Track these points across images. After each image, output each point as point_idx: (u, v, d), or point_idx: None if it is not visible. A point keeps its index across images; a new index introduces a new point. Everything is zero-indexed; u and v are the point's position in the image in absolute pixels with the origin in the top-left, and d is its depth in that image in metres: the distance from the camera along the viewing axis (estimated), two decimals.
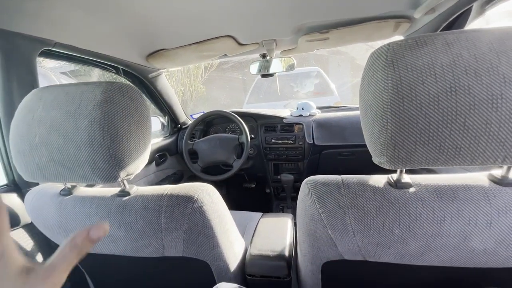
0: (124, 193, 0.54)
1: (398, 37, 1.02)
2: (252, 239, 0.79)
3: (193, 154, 1.41)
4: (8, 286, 0.20)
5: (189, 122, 1.77)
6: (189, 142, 1.42)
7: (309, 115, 1.50)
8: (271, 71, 1.26)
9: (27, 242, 0.78)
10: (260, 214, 1.05)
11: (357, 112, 1.43)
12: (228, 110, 1.44)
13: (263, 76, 1.28)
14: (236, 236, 0.69)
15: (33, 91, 0.51)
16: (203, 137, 1.65)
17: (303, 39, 1.00)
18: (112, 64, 1.09)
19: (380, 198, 0.42)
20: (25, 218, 0.76)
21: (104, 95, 0.47)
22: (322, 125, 1.42)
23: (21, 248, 0.76)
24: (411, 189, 0.42)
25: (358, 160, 1.39)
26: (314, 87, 3.99)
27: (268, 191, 1.79)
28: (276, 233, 0.82)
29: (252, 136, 1.48)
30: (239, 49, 1.10)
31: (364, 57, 0.44)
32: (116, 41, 0.91)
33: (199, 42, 1.02)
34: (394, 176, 0.44)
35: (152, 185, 0.65)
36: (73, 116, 0.46)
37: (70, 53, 0.81)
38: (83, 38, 0.80)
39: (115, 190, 0.57)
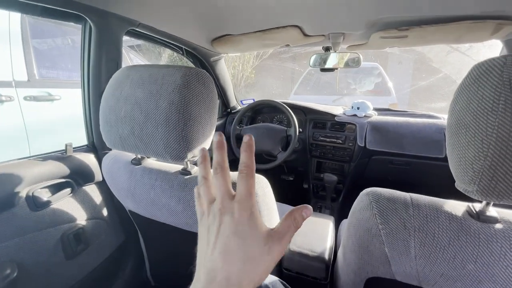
0: (186, 172, 0.58)
1: (495, 41, 0.87)
2: None
3: (239, 140, 1.45)
4: (256, 243, 0.25)
5: (238, 107, 1.81)
6: (237, 127, 1.46)
7: (364, 116, 1.41)
8: (332, 65, 1.20)
9: (97, 196, 0.91)
10: None
11: (420, 120, 1.29)
12: (278, 100, 1.43)
13: (323, 70, 1.22)
14: None
15: (122, 68, 0.57)
16: (250, 124, 1.68)
17: (377, 35, 0.92)
18: (178, 45, 1.15)
19: (456, 228, 0.38)
20: (98, 176, 0.88)
21: (183, 79, 0.49)
22: (378, 128, 1.32)
23: (90, 201, 0.89)
24: (498, 225, 0.37)
25: (412, 172, 1.28)
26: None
27: (306, 186, 1.76)
28: (316, 234, 0.81)
29: (301, 130, 1.45)
30: (303, 40, 1.06)
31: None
32: (188, 24, 0.95)
33: (264, 30, 1.01)
34: (477, 206, 0.39)
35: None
36: (155, 96, 0.50)
37: (148, 33, 0.88)
38: (162, 20, 0.85)
39: (177, 167, 0.62)
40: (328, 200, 1.52)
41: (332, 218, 0.94)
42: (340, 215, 1.08)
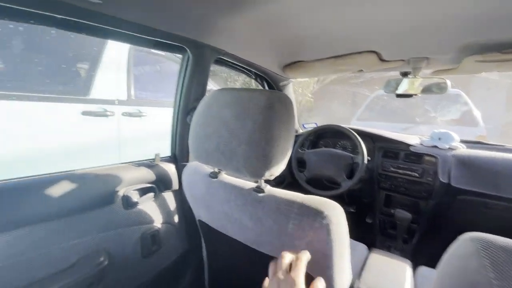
0: (259, 189, 0.60)
1: None
2: (360, 273, 0.72)
3: (301, 163, 1.43)
4: None
5: (300, 130, 1.81)
6: (300, 150, 1.45)
7: (448, 148, 1.23)
8: (410, 92, 1.11)
9: (172, 203, 1.01)
10: (363, 245, 0.95)
11: None
12: (345, 126, 1.38)
13: (399, 96, 1.14)
14: (348, 264, 0.64)
15: (214, 91, 0.64)
16: (311, 148, 1.65)
17: (471, 59, 0.83)
18: (250, 69, 1.24)
19: None
20: (175, 185, 0.98)
21: (267, 102, 0.53)
22: (467, 163, 1.14)
23: (166, 207, 0.99)
24: None
25: None
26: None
27: (369, 221, 1.60)
28: (391, 276, 0.72)
29: (369, 158, 1.36)
30: (379, 65, 1.02)
31: None
32: (264, 51, 1.03)
33: (337, 56, 1.02)
34: None
35: None
36: (241, 116, 0.54)
37: (230, 60, 0.99)
38: (243, 48, 0.94)
39: (251, 184, 0.64)
40: (400, 241, 1.34)
41: (407, 261, 0.82)
42: (415, 259, 0.93)
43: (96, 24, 0.61)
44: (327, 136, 1.65)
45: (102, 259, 0.76)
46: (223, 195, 0.64)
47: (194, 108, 0.93)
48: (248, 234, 0.61)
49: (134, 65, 2.26)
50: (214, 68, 0.99)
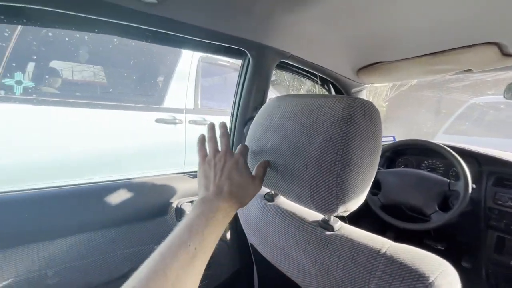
0: (327, 225, 0.46)
1: None
2: None
3: (374, 184, 1.19)
4: (246, 176, 0.45)
5: None
6: None
7: None
8: None
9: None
10: None
11: None
12: (439, 142, 1.08)
13: None
14: None
15: (273, 98, 0.54)
16: (388, 166, 1.38)
17: None
18: (315, 73, 1.10)
19: None
20: None
21: (345, 112, 0.39)
22: None
23: None
24: None
25: None
26: None
27: (467, 265, 1.21)
28: None
29: (474, 186, 1.03)
30: (501, 61, 0.75)
31: None
32: (335, 53, 0.88)
33: (434, 53, 0.79)
34: None
35: None
36: (308, 129, 0.42)
37: (296, 64, 0.87)
38: (311, 51, 0.82)
39: (316, 215, 0.51)
40: None
41: None
42: None
43: (153, 29, 0.59)
44: (409, 153, 1.35)
45: None
46: (280, 225, 0.53)
47: (252, 118, 0.85)
48: (310, 281, 0.47)
49: (202, 76, 2.39)
50: (274, 75, 0.90)
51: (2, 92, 1.52)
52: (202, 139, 0.49)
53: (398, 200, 1.09)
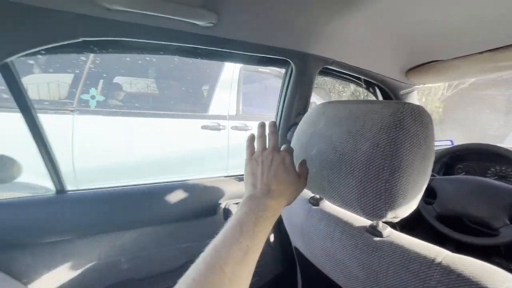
0: (375, 231, 0.46)
1: None
2: None
3: (428, 192, 1.10)
4: (293, 173, 0.45)
5: None
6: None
7: None
8: None
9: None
10: None
11: None
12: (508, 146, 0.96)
13: None
14: None
15: (318, 105, 0.55)
16: (445, 173, 1.25)
17: None
18: (359, 77, 1.07)
19: None
20: None
21: (393, 117, 0.39)
22: None
23: None
24: None
25: None
26: None
27: None
28: None
29: None
30: None
31: None
32: (381, 55, 0.85)
33: (498, 48, 0.71)
34: None
35: None
36: (354, 136, 0.43)
37: (340, 70, 0.87)
38: (355, 55, 0.82)
39: (362, 220, 0.51)
40: None
41: None
42: None
43: (208, 47, 0.65)
44: (471, 158, 1.21)
45: None
46: (325, 229, 0.53)
47: (296, 124, 0.87)
48: (357, 286, 0.47)
49: (243, 83, 2.49)
50: (316, 79, 0.91)
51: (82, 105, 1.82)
52: (251, 137, 0.50)
53: (457, 210, 0.98)
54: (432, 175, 1.12)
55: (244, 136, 2.38)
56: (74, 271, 0.66)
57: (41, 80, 1.81)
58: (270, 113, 2.66)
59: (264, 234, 0.38)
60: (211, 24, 0.52)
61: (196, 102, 2.36)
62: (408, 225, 1.26)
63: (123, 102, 2.08)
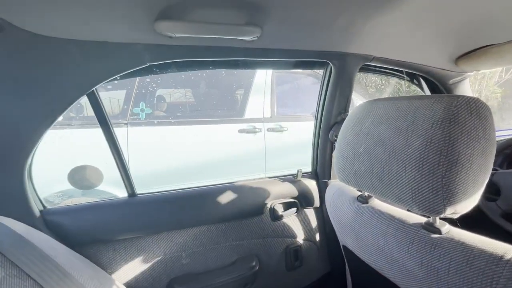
0: (432, 228, 0.45)
1: None
2: None
3: (489, 187, 1.00)
4: None
5: None
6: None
7: None
8: None
9: (313, 220, 0.98)
10: None
11: None
12: None
13: None
14: None
15: (363, 103, 0.56)
16: (507, 166, 1.13)
17: None
18: (402, 70, 1.02)
19: None
20: (316, 202, 0.96)
21: (447, 112, 0.39)
22: None
23: (308, 223, 0.97)
24: None
25: None
26: None
27: None
28: None
29: None
30: None
31: None
32: (426, 45, 0.81)
33: None
34: None
35: None
36: (404, 133, 0.43)
37: (381, 65, 0.86)
38: (396, 49, 0.79)
39: (416, 217, 0.50)
40: None
41: None
42: None
43: (253, 59, 0.71)
44: None
45: (254, 263, 0.85)
46: (378, 225, 0.54)
47: (337, 123, 0.88)
48: (416, 284, 0.47)
49: (277, 84, 2.52)
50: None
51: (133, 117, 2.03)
52: None
53: None
54: (494, 169, 1.03)
55: (280, 138, 2.42)
56: (146, 264, 0.77)
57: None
58: (304, 113, 2.65)
59: None
60: (256, 38, 0.57)
61: (233, 107, 2.46)
62: (465, 224, 1.17)
63: (167, 112, 2.27)
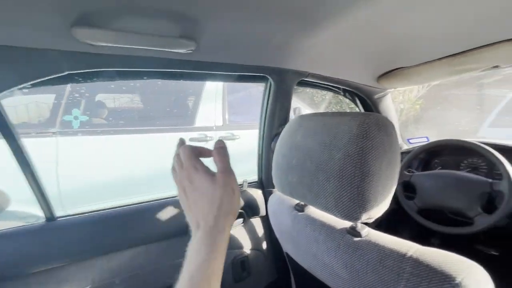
0: (354, 232, 0.50)
1: None
2: None
3: (408, 188, 1.16)
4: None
5: (405, 146, 1.51)
6: (406, 173, 1.18)
7: None
8: None
9: (259, 230, 1.00)
10: None
11: None
12: (475, 140, 1.04)
13: None
14: None
15: (296, 117, 0.60)
16: (423, 169, 1.33)
17: None
18: (337, 86, 1.13)
19: None
20: (262, 211, 0.97)
21: (360, 128, 0.44)
22: None
23: (254, 233, 0.98)
24: None
25: None
26: None
27: None
28: None
29: None
30: None
31: None
32: (353, 64, 0.91)
33: (455, 54, 0.79)
34: None
35: None
36: (328, 147, 0.47)
37: (315, 81, 0.93)
38: (329, 67, 0.87)
39: (344, 223, 0.55)
40: None
41: None
42: None
43: (190, 71, 0.69)
44: (446, 153, 1.29)
45: None
46: (311, 233, 0.57)
47: (277, 134, 0.91)
48: (343, 286, 0.51)
49: (228, 93, 2.53)
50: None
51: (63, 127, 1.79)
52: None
53: (436, 203, 1.05)
54: (411, 172, 1.20)
55: (232, 145, 2.42)
56: None
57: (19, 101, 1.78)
58: (257, 121, 2.72)
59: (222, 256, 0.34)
60: (191, 51, 0.56)
61: (183, 116, 2.37)
62: (394, 222, 1.32)
63: (107, 119, 2.07)
